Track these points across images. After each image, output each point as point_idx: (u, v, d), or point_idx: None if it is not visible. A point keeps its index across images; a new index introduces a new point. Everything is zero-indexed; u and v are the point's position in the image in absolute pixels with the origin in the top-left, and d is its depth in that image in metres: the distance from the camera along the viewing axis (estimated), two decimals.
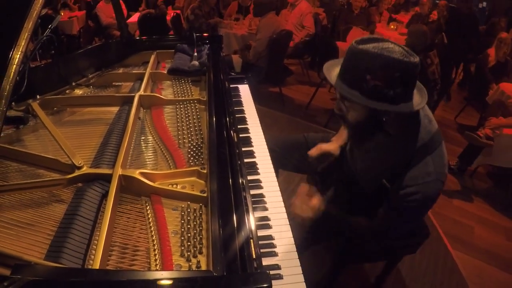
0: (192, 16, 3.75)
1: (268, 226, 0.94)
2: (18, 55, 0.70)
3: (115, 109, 1.23)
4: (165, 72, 1.47)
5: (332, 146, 1.25)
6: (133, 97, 1.21)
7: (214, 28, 3.80)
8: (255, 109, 1.47)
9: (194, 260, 0.72)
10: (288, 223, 0.96)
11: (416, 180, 0.89)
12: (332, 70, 0.89)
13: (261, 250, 0.84)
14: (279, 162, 1.23)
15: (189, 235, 0.77)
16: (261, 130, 1.34)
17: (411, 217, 1.00)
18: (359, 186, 1.08)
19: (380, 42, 0.80)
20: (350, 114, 0.89)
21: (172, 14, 4.19)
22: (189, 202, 0.85)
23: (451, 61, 3.48)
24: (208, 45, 1.63)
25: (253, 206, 0.93)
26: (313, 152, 1.23)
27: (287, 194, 1.08)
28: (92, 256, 0.70)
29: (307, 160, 1.25)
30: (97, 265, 0.66)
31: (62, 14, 4.29)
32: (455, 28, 4.20)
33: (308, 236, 1.11)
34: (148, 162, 0.99)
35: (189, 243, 0.75)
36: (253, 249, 0.73)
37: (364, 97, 0.80)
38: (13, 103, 1.10)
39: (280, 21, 3.16)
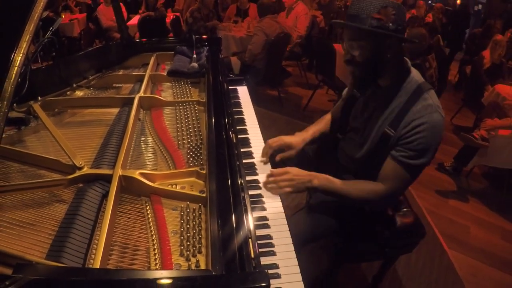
0: (190, 19, 3.77)
1: (267, 226, 0.95)
2: (20, 57, 0.71)
3: (115, 110, 1.24)
4: (165, 74, 1.49)
5: (294, 139, 1.26)
6: (133, 98, 1.22)
7: (212, 31, 3.81)
8: (253, 111, 1.48)
9: (193, 260, 0.73)
10: (286, 222, 0.97)
11: (420, 112, 0.97)
12: (340, 23, 1.04)
13: (260, 250, 0.84)
14: (276, 166, 1.25)
15: (188, 234, 0.78)
16: (259, 131, 1.35)
17: (423, 152, 0.98)
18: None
19: None
20: (359, 53, 0.99)
21: (171, 16, 4.20)
22: (188, 202, 0.86)
23: (447, 63, 3.52)
24: (207, 47, 1.65)
25: (252, 206, 0.94)
26: (274, 142, 1.22)
27: (285, 195, 1.09)
28: (93, 256, 0.70)
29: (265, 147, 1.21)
30: (97, 265, 0.66)
31: (63, 16, 4.30)
32: (453, 28, 4.27)
33: (308, 230, 1.12)
34: (148, 163, 1.00)
35: (188, 243, 0.76)
36: (251, 248, 0.73)
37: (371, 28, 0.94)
38: (14, 104, 1.11)
39: (277, 24, 3.17)
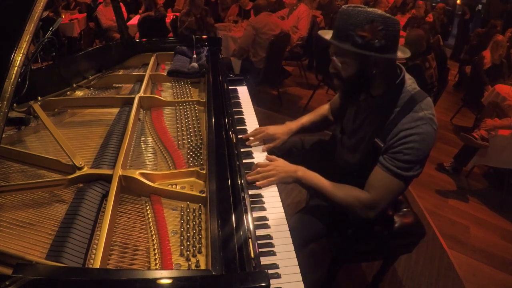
0: (180, 23, 3.60)
1: (267, 226, 0.95)
2: (20, 57, 0.71)
3: (115, 110, 1.24)
4: (165, 74, 1.49)
5: (279, 129, 1.28)
6: (133, 98, 1.22)
7: (208, 30, 3.74)
8: (253, 111, 1.48)
9: (193, 260, 0.73)
10: (286, 222, 0.97)
11: (409, 124, 0.95)
12: (327, 34, 1.00)
13: (260, 250, 0.84)
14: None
15: (188, 234, 0.78)
16: None
17: (410, 163, 0.95)
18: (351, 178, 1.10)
19: (365, 8, 0.92)
20: (343, 69, 0.97)
21: (171, 16, 4.19)
22: (188, 202, 0.86)
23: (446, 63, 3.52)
24: (207, 47, 1.65)
25: (252, 206, 0.94)
26: (258, 134, 1.23)
27: (285, 194, 1.09)
28: (93, 256, 0.71)
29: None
30: (97, 264, 0.66)
31: (63, 16, 4.30)
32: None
33: (308, 230, 1.12)
34: (148, 163, 1.00)
35: (188, 243, 0.76)
36: (251, 248, 0.73)
37: (354, 47, 0.90)
38: (14, 104, 1.11)
39: (270, 19, 3.10)
